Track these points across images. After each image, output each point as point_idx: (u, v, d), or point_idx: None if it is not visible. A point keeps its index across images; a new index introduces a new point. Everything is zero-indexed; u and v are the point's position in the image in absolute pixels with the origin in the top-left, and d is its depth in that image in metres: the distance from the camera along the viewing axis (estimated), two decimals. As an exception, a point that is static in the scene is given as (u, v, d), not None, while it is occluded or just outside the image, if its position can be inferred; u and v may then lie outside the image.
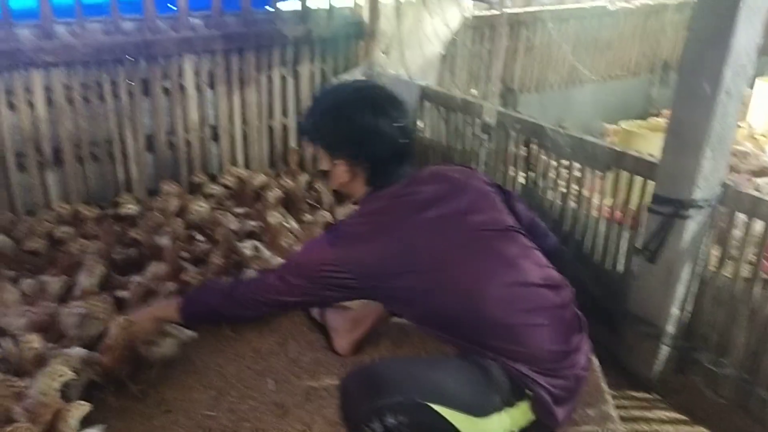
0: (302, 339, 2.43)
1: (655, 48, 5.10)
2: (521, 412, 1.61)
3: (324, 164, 1.85)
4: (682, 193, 2.04)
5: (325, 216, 2.70)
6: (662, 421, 2.13)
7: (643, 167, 2.25)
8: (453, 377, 1.54)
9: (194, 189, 3.12)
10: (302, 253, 1.93)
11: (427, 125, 3.22)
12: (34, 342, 1.93)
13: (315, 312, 2.45)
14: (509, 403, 1.58)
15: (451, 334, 1.68)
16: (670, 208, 2.07)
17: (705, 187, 2.02)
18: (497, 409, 1.56)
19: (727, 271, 2.13)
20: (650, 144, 3.16)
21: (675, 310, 2.19)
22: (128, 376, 2.12)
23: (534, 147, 2.60)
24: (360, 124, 1.72)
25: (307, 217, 2.89)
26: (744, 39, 1.85)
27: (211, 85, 3.12)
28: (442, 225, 1.71)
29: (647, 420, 2.13)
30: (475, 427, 1.53)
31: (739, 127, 4.06)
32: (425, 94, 3.12)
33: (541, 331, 1.65)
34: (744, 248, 2.07)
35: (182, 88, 3.04)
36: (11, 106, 2.66)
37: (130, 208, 2.68)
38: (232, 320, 2.26)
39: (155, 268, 2.42)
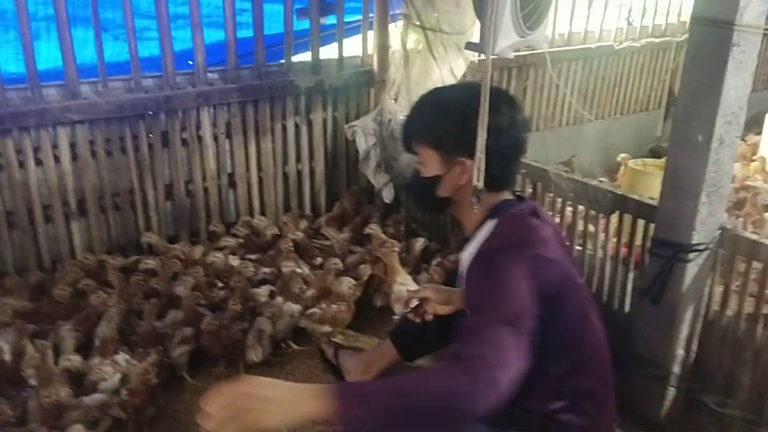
0: (317, 382, 2.50)
1: (663, 84, 5.17)
2: None
3: (434, 169, 1.63)
4: (681, 236, 2.09)
5: (337, 263, 2.78)
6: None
7: (644, 210, 2.31)
8: None
9: (212, 237, 3.22)
10: (491, 291, 1.40)
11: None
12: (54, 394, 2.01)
13: (330, 354, 2.52)
14: None
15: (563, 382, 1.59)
16: (670, 251, 2.12)
17: (703, 231, 2.07)
18: None
19: (731, 312, 2.17)
20: (657, 183, 3.21)
21: (680, 351, 2.22)
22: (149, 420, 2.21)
23: (539, 190, 2.67)
24: (493, 116, 1.51)
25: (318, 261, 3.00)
26: (734, 90, 1.92)
27: (228, 135, 3.25)
28: (571, 262, 1.64)
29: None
30: None
31: (753, 161, 4.10)
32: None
33: (612, 405, 1.70)
34: (745, 290, 2.11)
35: (200, 138, 3.17)
36: (38, 162, 2.80)
37: (149, 263, 2.78)
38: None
39: (174, 315, 2.51)
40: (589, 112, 4.65)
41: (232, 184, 3.35)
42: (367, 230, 3.06)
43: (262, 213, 3.45)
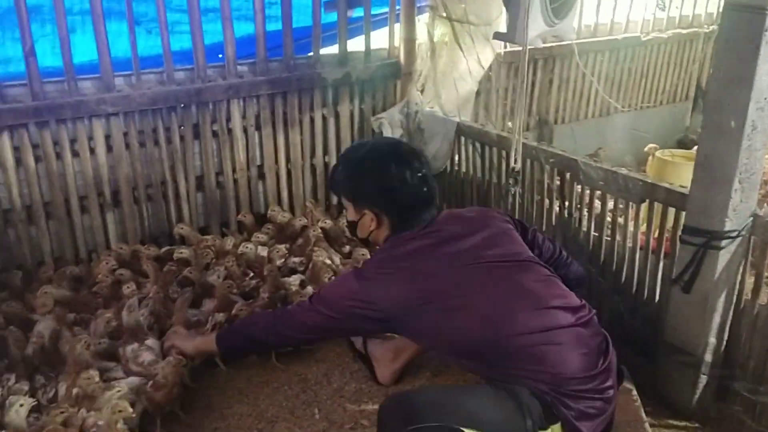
0: (346, 369, 2.54)
1: (690, 75, 5.13)
2: None
3: (351, 215, 2.05)
4: (713, 224, 2.09)
5: (365, 254, 2.81)
6: (703, 451, 2.15)
7: (675, 199, 2.30)
8: (486, 402, 1.62)
9: (242, 228, 3.27)
10: (331, 286, 2.15)
11: (462, 160, 3.33)
12: (95, 377, 2.05)
13: (358, 343, 2.55)
14: (542, 427, 1.65)
15: (478, 362, 1.77)
16: (702, 239, 2.12)
17: (735, 218, 2.07)
18: None
19: (763, 299, 2.16)
20: (685, 173, 3.19)
21: (712, 339, 2.22)
22: (179, 406, 2.25)
23: (567, 179, 2.67)
24: (384, 176, 1.92)
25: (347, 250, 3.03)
26: (766, 76, 1.91)
27: (257, 127, 3.29)
28: (459, 259, 1.85)
29: (688, 451, 2.15)
30: None
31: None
32: (461, 129, 3.24)
33: (559, 350, 1.72)
34: (777, 277, 2.10)
35: (230, 131, 3.22)
36: (75, 154, 2.87)
37: (182, 252, 2.83)
38: (268, 348, 2.42)
39: (209, 304, 2.56)
40: (616, 103, 4.64)
41: (261, 175, 3.40)
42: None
43: (291, 205, 3.50)
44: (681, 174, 3.18)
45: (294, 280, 2.71)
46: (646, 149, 3.96)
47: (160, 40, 2.92)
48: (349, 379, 2.49)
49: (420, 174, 1.95)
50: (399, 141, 2.23)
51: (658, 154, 3.55)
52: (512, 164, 1.62)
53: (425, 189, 1.96)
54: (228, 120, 3.19)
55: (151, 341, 2.32)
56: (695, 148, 4.19)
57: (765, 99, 1.95)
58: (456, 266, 1.84)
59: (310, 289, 2.63)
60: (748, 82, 1.92)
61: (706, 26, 4.97)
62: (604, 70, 4.54)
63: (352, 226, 2.10)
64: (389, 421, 1.61)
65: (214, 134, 3.19)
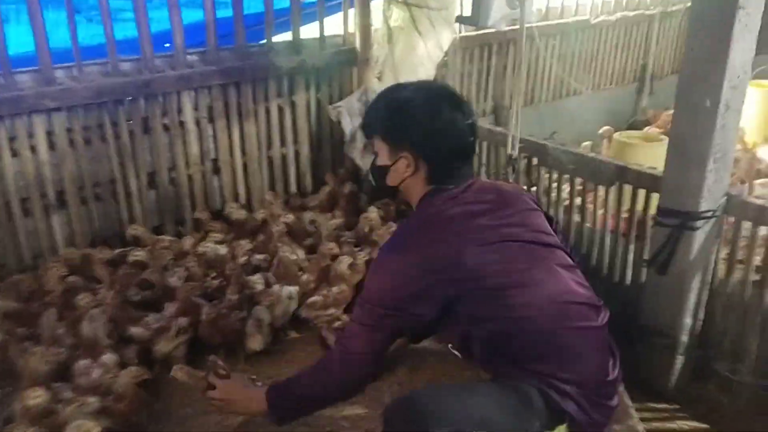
0: (319, 369, 2.45)
1: (639, 57, 5.20)
2: None
3: (383, 159, 1.74)
4: (688, 205, 2.08)
5: (333, 248, 2.71)
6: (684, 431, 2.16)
7: (645, 180, 2.29)
8: (495, 404, 1.55)
9: (198, 225, 3.12)
10: (367, 290, 1.74)
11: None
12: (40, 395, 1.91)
13: (331, 340, 2.46)
14: (548, 427, 1.60)
15: (502, 354, 1.64)
16: (677, 220, 2.12)
17: (710, 198, 2.07)
18: None
19: (737, 279, 2.18)
20: (644, 154, 3.22)
21: (688, 320, 2.22)
22: (146, 419, 2.12)
23: (534, 163, 2.64)
24: (434, 117, 1.67)
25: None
26: (740, 55, 1.91)
27: (210, 120, 3.14)
28: (494, 234, 1.66)
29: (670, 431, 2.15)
30: None
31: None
32: (423, 117, 3.16)
33: (592, 352, 1.68)
34: (752, 255, 2.12)
35: (182, 124, 3.06)
36: (14, 153, 2.66)
37: (138, 254, 2.67)
38: (336, 402, 1.97)
39: (170, 307, 2.42)
40: (566, 87, 4.66)
41: (216, 170, 3.25)
42: (364, 218, 2.99)
43: (248, 199, 3.36)
44: (639, 156, 3.20)
45: (258, 278, 2.59)
46: (600, 132, 3.97)
47: (102, 28, 2.73)
48: (323, 379, 2.40)
49: (469, 122, 1.72)
50: (445, 84, 1.98)
51: (616, 136, 3.56)
52: (509, 151, 1.51)
53: (471, 139, 1.73)
54: (179, 112, 3.03)
55: (107, 357, 2.17)
56: (647, 128, 4.31)
57: (738, 78, 1.94)
58: (490, 240, 1.65)
59: (276, 288, 2.52)
60: (722, 61, 1.91)
61: (652, 8, 5.04)
62: (555, 54, 4.55)
63: (382, 171, 1.76)
64: (399, 427, 1.53)
65: (165, 128, 3.02)
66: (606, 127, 3.94)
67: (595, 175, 2.42)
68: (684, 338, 2.24)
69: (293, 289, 2.51)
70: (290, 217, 3.00)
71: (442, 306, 1.62)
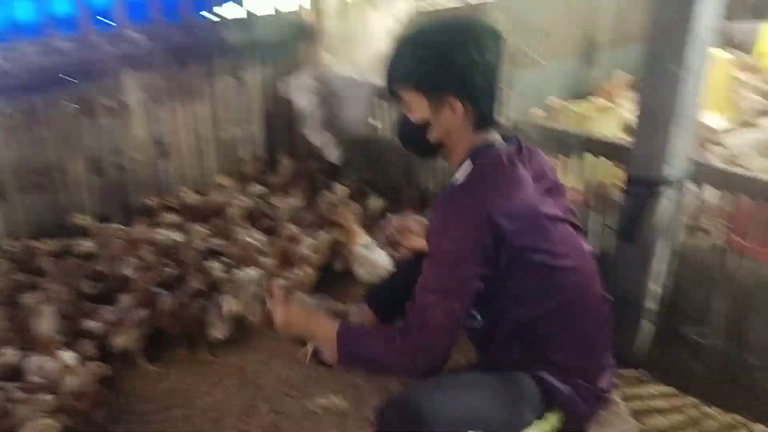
0: (287, 354, 2.37)
1: (585, 30, 5.22)
2: (549, 424, 1.59)
3: (422, 112, 1.53)
4: (655, 172, 2.07)
5: (293, 229, 2.63)
6: (654, 396, 2.17)
7: (611, 150, 2.28)
8: (490, 398, 1.49)
9: (148, 212, 2.97)
10: (441, 242, 1.46)
11: (384, 125, 3.19)
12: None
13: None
14: (540, 416, 1.57)
15: (524, 337, 1.55)
16: (644, 188, 2.11)
17: (676, 165, 2.06)
18: (528, 423, 1.54)
19: (701, 244, 2.20)
20: (596, 125, 3.25)
21: (655, 287, 2.24)
22: (106, 417, 2.00)
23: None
24: (471, 54, 1.46)
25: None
26: (705, 20, 1.89)
27: (156, 100, 2.99)
28: (553, 209, 1.55)
29: (640, 397, 2.17)
30: None
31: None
32: (378, 91, 3.08)
33: (601, 343, 1.67)
34: (715, 220, 2.14)
35: (125, 105, 2.90)
36: (-57, 141, 2.47)
37: (85, 245, 2.52)
38: (392, 373, 1.72)
39: (126, 299, 2.29)
40: (513, 60, 4.63)
41: (164, 153, 3.10)
42: (324, 198, 2.91)
43: (200, 183, 3.22)
44: (592, 126, 3.22)
45: (218, 264, 2.48)
46: (547, 103, 3.99)
47: (37, 3, 2.54)
48: (291, 365, 2.32)
49: (503, 55, 1.54)
50: (476, 18, 1.62)
51: (568, 107, 3.57)
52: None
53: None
54: (122, 93, 2.87)
55: (63, 354, 2.04)
56: (592, 101, 4.33)
57: (703, 42, 1.94)
58: (560, 219, 1.55)
59: (241, 273, 2.41)
60: (686, 27, 1.89)
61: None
62: (502, 27, 4.51)
63: (419, 130, 1.54)
64: (393, 429, 1.46)
65: (108, 110, 2.86)
66: (554, 98, 3.96)
67: (562, 146, 2.40)
68: (651, 305, 2.25)
69: (257, 273, 2.42)
70: (246, 200, 2.89)
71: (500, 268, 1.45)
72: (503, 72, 1.55)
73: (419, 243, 1.82)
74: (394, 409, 1.47)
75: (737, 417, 2.06)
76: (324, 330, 1.61)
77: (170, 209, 2.93)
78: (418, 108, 1.53)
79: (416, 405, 1.42)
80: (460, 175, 1.54)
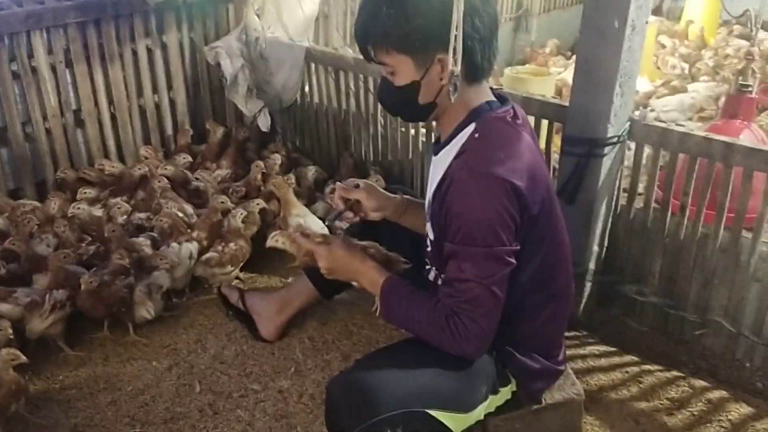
0: (221, 332, 2.26)
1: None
2: (502, 396, 1.57)
3: (408, 74, 1.38)
4: (595, 131, 2.05)
5: (225, 201, 2.48)
6: (596, 356, 2.18)
7: (550, 110, 2.25)
8: (442, 374, 1.43)
9: (62, 186, 2.75)
10: (473, 222, 1.32)
11: (315, 89, 3.06)
12: None
13: (234, 298, 2.26)
14: (494, 392, 1.53)
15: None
16: (584, 148, 2.09)
17: (616, 124, 2.05)
18: (483, 399, 1.50)
19: (639, 203, 2.20)
20: (534, 89, 3.21)
21: (595, 248, 2.23)
22: (25, 406, 1.84)
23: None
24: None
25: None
26: (646, -26, 1.87)
27: (68, 65, 2.76)
28: (546, 173, 1.49)
29: (582, 357, 2.17)
30: (463, 422, 1.47)
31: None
32: (311, 55, 2.95)
33: (566, 322, 1.67)
34: (654, 179, 2.14)
35: (34, 70, 2.66)
36: None
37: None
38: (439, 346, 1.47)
39: (41, 279, 2.11)
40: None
41: (80, 122, 2.88)
42: (256, 168, 2.77)
43: (119, 154, 3.02)
44: (530, 90, 3.19)
45: (144, 240, 2.32)
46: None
47: None
48: (226, 342, 2.21)
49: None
50: None
51: (506, 71, 3.54)
52: (451, 67, 1.30)
53: (496, 18, 1.42)
54: (30, 57, 2.64)
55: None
56: (526, 65, 4.32)
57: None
58: (548, 184, 1.48)
59: (174, 247, 2.26)
60: (627, -19, 1.86)
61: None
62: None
63: (407, 93, 1.40)
64: (345, 411, 1.36)
65: (15, 75, 2.63)
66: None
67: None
68: (592, 265, 2.25)
69: (193, 247, 2.28)
70: (169, 168, 2.70)
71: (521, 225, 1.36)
72: (495, 11, 1.41)
73: (374, 215, 1.71)
74: (345, 391, 1.38)
75: (677, 373, 2.10)
76: (369, 280, 1.52)
77: (88, 183, 2.73)
78: (403, 70, 1.38)
79: (367, 388, 1.35)
80: (463, 138, 1.41)
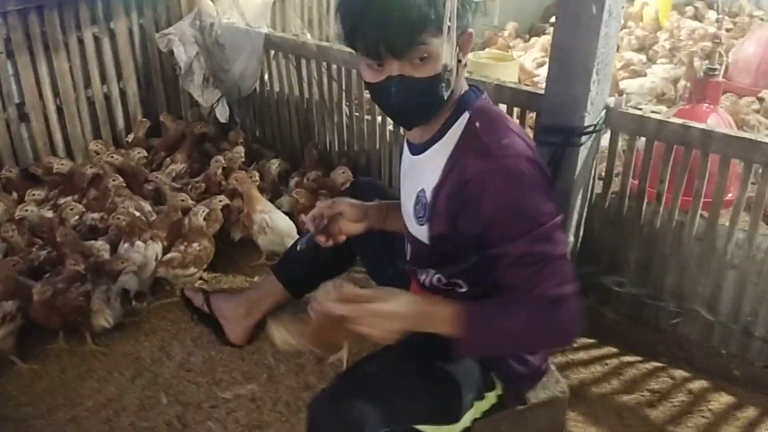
0: (186, 337, 2.15)
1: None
2: (488, 401, 1.51)
3: (439, 61, 1.19)
4: (572, 120, 1.99)
5: (185, 199, 2.36)
6: (574, 349, 2.15)
7: (523, 98, 2.19)
8: (428, 388, 1.36)
9: (7, 186, 2.58)
10: (522, 202, 1.21)
11: (275, 77, 2.93)
12: None
13: (198, 301, 2.15)
14: (480, 397, 1.47)
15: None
16: (560, 137, 2.03)
17: (593, 112, 2.00)
18: (469, 407, 1.44)
19: (614, 192, 2.17)
20: (497, 74, 3.16)
21: (571, 238, 2.19)
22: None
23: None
24: None
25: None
26: (623, -42, 1.81)
27: (9, 55, 2.58)
28: None
29: (561, 351, 2.14)
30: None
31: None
32: (271, 42, 2.82)
33: None
34: (629, 168, 2.11)
35: (-29, 61, 2.48)
36: None
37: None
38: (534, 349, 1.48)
39: (-14, 290, 1.95)
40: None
41: (23, 116, 2.71)
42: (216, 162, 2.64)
43: (68, 150, 2.85)
44: (492, 75, 3.14)
45: (102, 244, 2.18)
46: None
47: None
48: (192, 348, 2.10)
49: None
50: None
51: (469, 56, 3.46)
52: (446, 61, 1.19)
53: None
54: (-34, 47, 2.45)
55: None
56: (486, 50, 4.27)
57: (619, -18, 1.85)
58: None
59: (130, 249, 2.13)
60: (605, -34, 1.80)
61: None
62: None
63: (445, 77, 1.22)
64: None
65: (-51, 67, 2.43)
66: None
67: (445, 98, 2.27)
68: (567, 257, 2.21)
69: (158, 247, 2.15)
70: (116, 157, 2.54)
71: None
72: None
73: (355, 228, 1.59)
74: (327, 410, 1.30)
75: (656, 363, 2.08)
76: (440, 318, 1.21)
77: (35, 182, 2.56)
78: (436, 56, 1.18)
79: (347, 402, 1.27)
80: (456, 133, 1.29)
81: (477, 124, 1.28)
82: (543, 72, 4.01)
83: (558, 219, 1.24)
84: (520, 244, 1.20)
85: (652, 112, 2.08)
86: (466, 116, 1.30)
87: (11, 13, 2.51)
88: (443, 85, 1.23)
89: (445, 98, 1.25)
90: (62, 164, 2.58)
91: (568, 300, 1.21)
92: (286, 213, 2.48)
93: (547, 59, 4.16)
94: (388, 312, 1.17)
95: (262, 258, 2.48)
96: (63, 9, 2.66)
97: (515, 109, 2.27)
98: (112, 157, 2.57)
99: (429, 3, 1.14)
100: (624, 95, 2.09)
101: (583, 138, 2.02)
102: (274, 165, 2.74)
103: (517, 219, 1.21)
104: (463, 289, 1.41)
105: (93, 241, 2.19)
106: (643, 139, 2.05)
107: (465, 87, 1.34)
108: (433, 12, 1.15)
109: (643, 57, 4.21)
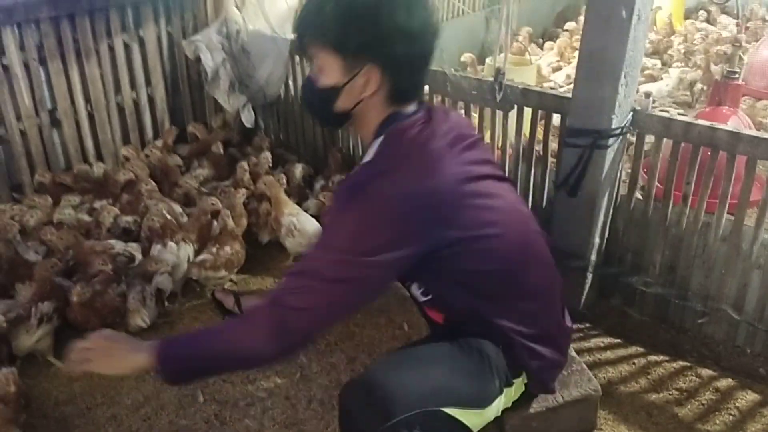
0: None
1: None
2: (516, 389, 1.54)
3: (334, 76, 1.34)
4: (600, 122, 2.03)
5: (216, 203, 2.40)
6: (601, 348, 2.17)
7: (550, 102, 2.22)
8: (456, 371, 1.41)
9: (40, 190, 2.63)
10: (339, 229, 1.33)
11: (300, 82, 2.98)
12: None
13: (230, 303, 2.20)
14: (508, 384, 1.50)
15: (473, 302, 1.44)
16: (588, 140, 2.06)
17: (620, 114, 2.03)
18: (498, 394, 1.48)
19: (640, 193, 2.19)
20: (516, 78, 3.19)
21: (597, 239, 2.22)
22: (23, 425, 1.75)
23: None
24: (410, 14, 1.30)
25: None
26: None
27: (42, 62, 2.64)
28: (476, 169, 1.41)
29: (588, 350, 2.16)
30: (481, 418, 1.45)
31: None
32: (298, 49, 2.86)
33: (559, 306, 1.63)
34: (655, 169, 2.13)
35: (6, 68, 2.55)
36: None
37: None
38: (242, 369, 1.67)
39: (25, 290, 2.00)
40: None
41: (56, 122, 2.75)
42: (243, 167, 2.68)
43: (98, 155, 2.90)
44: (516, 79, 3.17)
45: (134, 247, 2.23)
46: (462, 59, 3.91)
47: None
48: (227, 348, 2.13)
49: (435, 25, 1.38)
50: None
51: (487, 61, 3.50)
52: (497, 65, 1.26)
53: (434, 47, 1.38)
54: (1, 54, 2.51)
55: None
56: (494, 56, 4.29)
57: (649, -13, 1.89)
58: (487, 178, 1.42)
59: (163, 250, 2.17)
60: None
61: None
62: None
63: (328, 94, 1.36)
64: (360, 415, 1.31)
65: (-15, 74, 2.49)
66: (468, 54, 3.88)
67: (495, 101, 2.31)
68: (593, 257, 2.24)
69: (190, 249, 2.19)
70: (155, 152, 2.59)
71: (428, 249, 1.33)
72: (433, 41, 1.38)
73: None
74: (359, 393, 1.34)
75: (683, 362, 2.10)
76: (139, 351, 1.35)
77: (66, 186, 2.61)
78: (330, 71, 1.34)
79: (382, 390, 1.30)
80: (370, 153, 1.39)
81: (380, 153, 1.37)
82: (558, 77, 4.06)
83: (359, 260, 1.27)
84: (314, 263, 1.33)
85: (679, 114, 2.10)
86: (379, 141, 1.38)
87: (44, 21, 2.56)
88: (331, 101, 1.37)
89: (334, 115, 1.40)
90: (100, 166, 2.64)
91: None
92: (313, 216, 2.52)
93: (562, 64, 4.23)
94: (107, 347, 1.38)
95: (290, 260, 2.52)
96: (94, 16, 2.71)
97: (539, 112, 2.30)
98: (151, 151, 2.62)
99: (317, 17, 1.32)
100: (650, 97, 2.11)
101: (611, 140, 2.05)
102: (299, 169, 2.78)
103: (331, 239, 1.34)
104: (426, 298, 1.49)
105: (121, 242, 2.23)
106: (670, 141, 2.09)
107: (383, 116, 1.39)
108: (316, 27, 1.33)
109: (658, 62, 4.24)
